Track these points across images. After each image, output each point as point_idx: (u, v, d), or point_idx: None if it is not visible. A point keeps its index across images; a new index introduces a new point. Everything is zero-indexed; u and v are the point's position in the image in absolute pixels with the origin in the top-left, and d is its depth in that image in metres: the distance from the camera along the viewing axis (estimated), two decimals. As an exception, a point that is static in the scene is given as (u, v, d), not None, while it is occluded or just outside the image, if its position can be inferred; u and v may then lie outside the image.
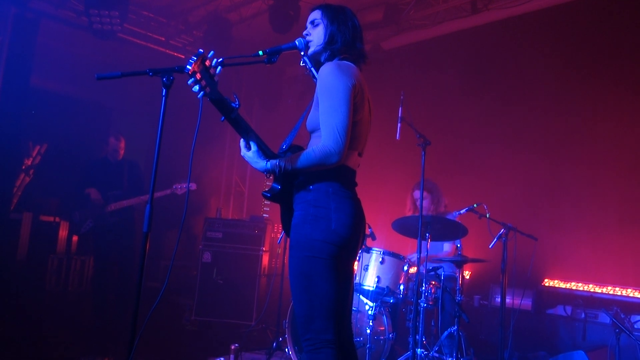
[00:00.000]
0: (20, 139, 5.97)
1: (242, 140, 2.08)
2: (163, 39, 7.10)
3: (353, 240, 2.01)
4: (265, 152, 2.06)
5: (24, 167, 6.67)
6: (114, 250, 5.03)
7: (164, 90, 2.01)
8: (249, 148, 2.07)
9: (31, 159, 6.77)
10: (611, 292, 4.55)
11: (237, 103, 1.98)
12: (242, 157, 2.11)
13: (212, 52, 1.92)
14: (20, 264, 6.27)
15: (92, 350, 4.02)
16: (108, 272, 5.09)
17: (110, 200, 4.95)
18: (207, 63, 1.84)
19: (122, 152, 5.15)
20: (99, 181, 5.01)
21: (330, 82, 1.98)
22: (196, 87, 1.83)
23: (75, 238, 6.96)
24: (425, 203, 4.52)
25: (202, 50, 1.83)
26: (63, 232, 6.88)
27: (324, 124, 1.95)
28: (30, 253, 6.43)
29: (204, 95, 1.85)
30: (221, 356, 3.98)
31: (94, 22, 5.79)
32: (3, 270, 5.47)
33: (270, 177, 2.08)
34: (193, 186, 5.21)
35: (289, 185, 2.12)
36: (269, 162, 2.01)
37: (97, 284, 5.19)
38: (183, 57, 7.37)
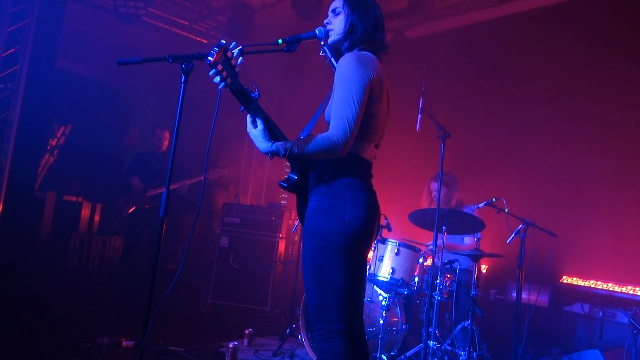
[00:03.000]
0: (46, 120, 6.09)
1: (248, 115, 2.04)
2: (187, 23, 7.13)
3: (367, 232, 2.01)
4: (274, 134, 2.03)
5: (48, 148, 6.81)
6: (145, 233, 5.45)
7: (183, 77, 2.03)
8: (255, 125, 2.02)
9: (56, 139, 6.90)
10: (631, 292, 4.47)
11: (257, 93, 1.98)
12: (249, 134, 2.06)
13: (233, 42, 1.92)
14: (43, 242, 6.43)
15: (110, 329, 4.12)
16: (137, 254, 5.48)
17: (151, 187, 5.42)
18: (229, 54, 1.85)
19: (165, 142, 5.67)
20: (143, 171, 5.51)
21: (347, 72, 1.97)
22: (217, 78, 1.84)
23: (97, 218, 7.12)
24: (440, 196, 4.49)
25: (224, 41, 1.83)
26: (85, 212, 7.04)
27: (336, 113, 1.94)
28: (54, 231, 6.59)
29: (224, 86, 1.85)
30: (235, 340, 4.03)
31: (119, 5, 5.86)
32: (27, 247, 5.62)
33: (273, 159, 2.03)
34: (226, 172, 5.79)
35: (305, 175, 2.12)
36: (273, 144, 1.96)
37: (125, 265, 5.54)
38: (206, 42, 7.39)
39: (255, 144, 2.01)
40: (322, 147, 1.90)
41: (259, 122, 2.00)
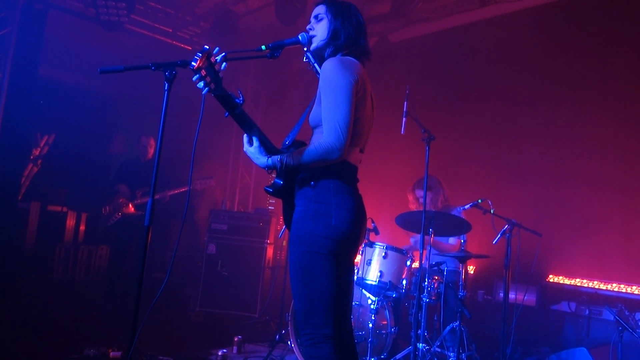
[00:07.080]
0: (29, 129, 6.02)
1: (245, 135, 2.09)
2: (170, 30, 7.10)
3: (354, 236, 2.02)
4: (267, 148, 2.07)
5: (32, 157, 6.71)
6: (132, 242, 5.39)
7: (167, 84, 2.02)
8: (251, 143, 2.08)
9: (39, 149, 6.80)
10: (616, 289, 4.53)
11: (241, 99, 1.99)
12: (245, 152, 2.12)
13: (217, 48, 1.93)
14: (28, 252, 6.33)
15: (97, 339, 4.07)
16: (124, 263, 5.43)
17: (138, 195, 5.37)
18: (212, 59, 1.85)
19: (151, 150, 5.61)
20: (130, 179, 5.44)
21: (332, 77, 1.98)
22: (201, 84, 1.85)
23: (82, 227, 7.04)
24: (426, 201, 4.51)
25: (207, 47, 1.84)
26: (70, 222, 6.94)
27: (326, 120, 1.95)
28: (38, 242, 6.49)
29: (208, 91, 1.86)
30: (224, 347, 4.01)
31: (101, 13, 5.82)
32: (12, 259, 5.54)
33: (273, 173, 2.08)
34: (212, 182, 5.72)
35: (291, 180, 2.12)
36: (270, 159, 2.02)
37: (113, 274, 5.51)
38: (190, 48, 7.36)
39: (253, 160, 2.08)
40: (318, 156, 1.93)
41: (254, 140, 2.06)
